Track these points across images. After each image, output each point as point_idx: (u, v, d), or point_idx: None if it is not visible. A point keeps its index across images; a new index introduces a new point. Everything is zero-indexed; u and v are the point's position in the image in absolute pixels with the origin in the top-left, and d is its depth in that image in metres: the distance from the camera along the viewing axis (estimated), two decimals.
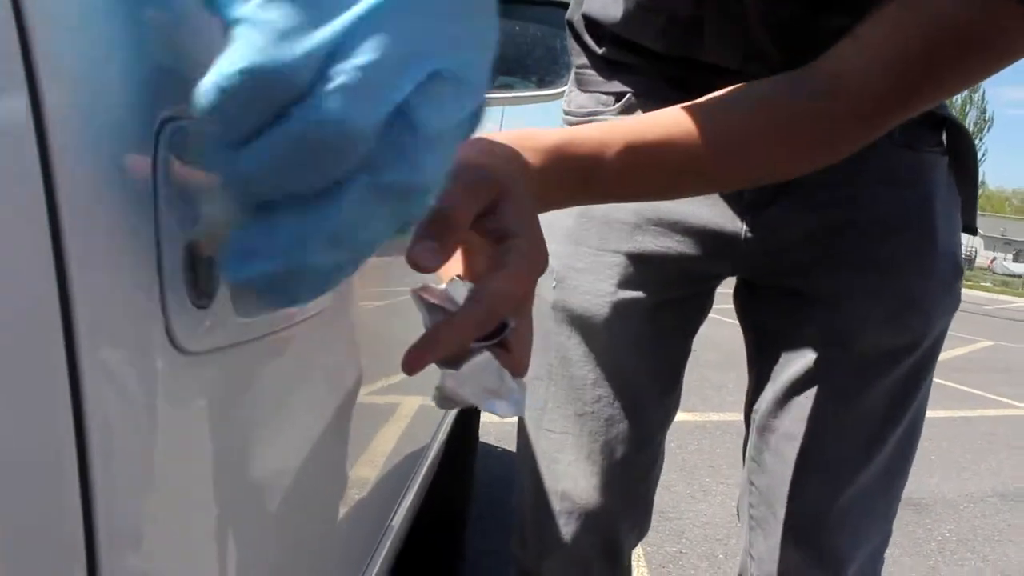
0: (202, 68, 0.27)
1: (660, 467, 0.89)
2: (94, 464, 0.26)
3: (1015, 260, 52.16)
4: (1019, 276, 40.09)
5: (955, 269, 0.76)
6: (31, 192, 0.24)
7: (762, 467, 0.81)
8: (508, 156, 0.49)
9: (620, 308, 0.79)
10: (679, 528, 2.38)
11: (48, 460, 0.25)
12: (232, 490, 0.38)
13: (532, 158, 0.51)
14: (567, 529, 0.84)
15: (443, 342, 0.40)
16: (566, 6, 1.24)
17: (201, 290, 0.32)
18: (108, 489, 0.27)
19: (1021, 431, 4.52)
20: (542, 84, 1.28)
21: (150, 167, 0.29)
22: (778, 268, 0.78)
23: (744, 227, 0.76)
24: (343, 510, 0.60)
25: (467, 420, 1.78)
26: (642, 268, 0.79)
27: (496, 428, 2.86)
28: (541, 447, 0.85)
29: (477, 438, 2.05)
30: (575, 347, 0.81)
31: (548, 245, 0.75)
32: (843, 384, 0.76)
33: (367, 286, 0.66)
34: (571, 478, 0.83)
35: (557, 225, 0.79)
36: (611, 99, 0.80)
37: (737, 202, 0.76)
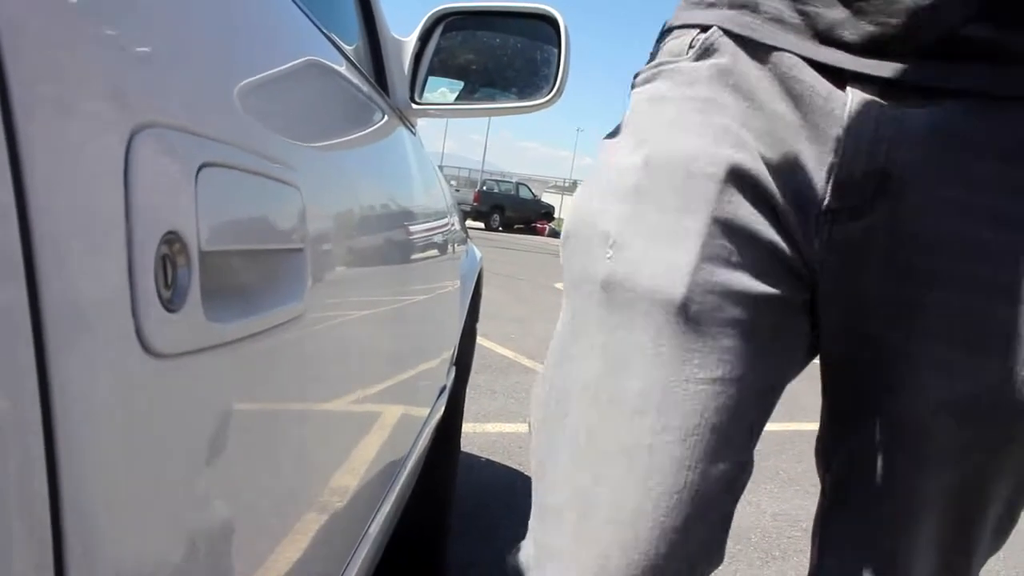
0: (173, 76, 0.27)
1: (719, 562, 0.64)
2: (62, 467, 0.26)
3: None
4: None
5: None
6: (2, 194, 0.24)
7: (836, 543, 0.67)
8: None
9: (709, 290, 0.56)
10: None
11: (15, 463, 0.25)
12: (204, 495, 0.38)
13: None
14: None
15: None
16: (548, 18, 1.25)
17: (173, 293, 0.32)
18: (76, 493, 0.27)
19: None
20: (523, 96, 1.29)
21: (122, 170, 0.29)
22: (845, 297, 0.60)
23: (817, 240, 0.58)
24: (319, 516, 0.60)
25: (449, 431, 1.78)
26: (734, 242, 0.57)
27: (480, 439, 2.85)
28: (568, 495, 0.61)
29: (459, 448, 2.04)
30: (636, 346, 0.57)
31: (601, 204, 0.63)
32: (892, 471, 0.60)
33: (348, 293, 0.66)
34: (606, 542, 0.58)
35: (615, 179, 0.61)
36: (687, 41, 0.63)
37: (812, 207, 0.58)
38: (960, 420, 0.57)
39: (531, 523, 0.67)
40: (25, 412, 0.25)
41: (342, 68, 0.80)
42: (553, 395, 0.64)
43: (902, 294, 0.58)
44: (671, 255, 0.57)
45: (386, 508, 0.92)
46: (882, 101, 0.56)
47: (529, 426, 0.69)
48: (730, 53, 0.61)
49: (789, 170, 0.58)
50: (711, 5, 0.63)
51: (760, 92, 0.60)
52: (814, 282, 0.60)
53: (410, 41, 1.33)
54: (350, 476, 0.72)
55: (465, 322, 1.77)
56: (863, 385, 0.62)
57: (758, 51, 0.60)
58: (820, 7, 0.57)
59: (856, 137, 0.56)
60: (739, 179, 0.58)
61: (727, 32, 0.61)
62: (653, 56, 0.68)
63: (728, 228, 0.57)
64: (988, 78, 0.55)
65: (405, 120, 1.28)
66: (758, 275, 0.58)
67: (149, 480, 0.32)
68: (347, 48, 0.98)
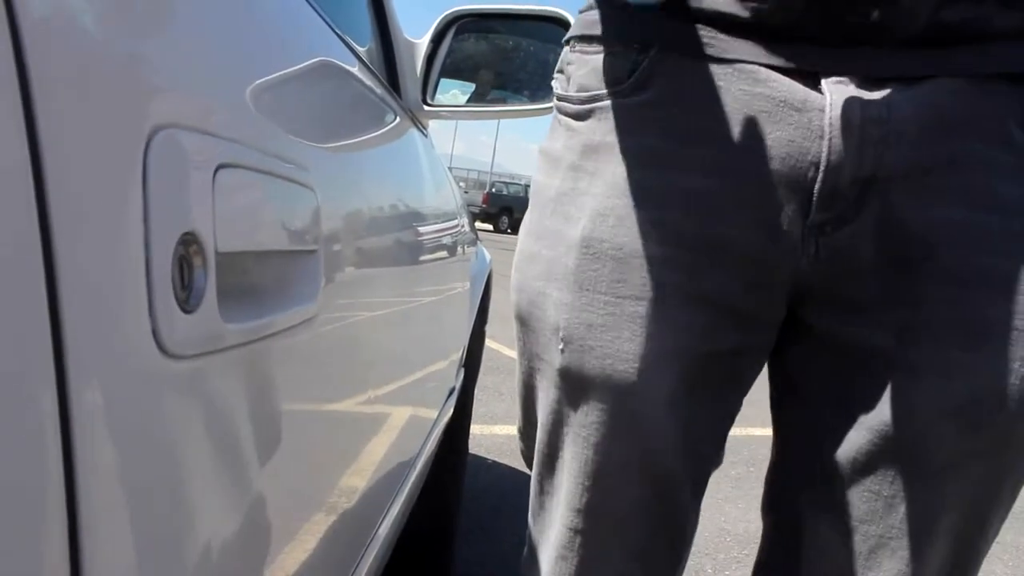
0: (190, 77, 0.27)
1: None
2: (79, 468, 0.26)
3: None
4: None
5: None
6: (22, 194, 0.24)
7: (801, 563, 0.63)
8: None
9: (650, 373, 0.58)
10: None
11: (33, 463, 0.25)
12: (217, 495, 0.38)
13: None
14: None
15: None
16: (559, 20, 1.25)
17: (189, 294, 0.32)
18: (93, 492, 0.27)
19: None
20: (535, 98, 1.29)
21: (140, 170, 0.29)
22: (839, 297, 0.57)
23: (804, 257, 0.56)
24: (328, 517, 0.60)
25: (457, 432, 1.78)
26: (676, 315, 0.57)
27: (487, 441, 2.85)
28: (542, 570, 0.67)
29: (467, 450, 2.04)
30: (594, 429, 0.60)
31: (548, 291, 0.61)
32: (886, 480, 0.57)
33: (360, 295, 0.66)
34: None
35: (557, 264, 0.60)
36: (624, 65, 0.57)
37: (796, 225, 0.55)
38: (960, 427, 0.54)
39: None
40: (43, 412, 0.25)
41: (355, 69, 0.81)
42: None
43: (896, 292, 0.55)
44: (618, 345, 0.58)
45: (395, 509, 0.92)
46: (864, 97, 0.51)
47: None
48: (676, 79, 0.55)
49: (760, 202, 0.54)
50: (643, 7, 0.56)
51: (716, 121, 0.54)
52: (796, 303, 0.59)
53: (423, 43, 1.33)
54: (360, 477, 0.72)
55: (474, 324, 1.77)
56: (848, 400, 0.58)
57: (710, 68, 0.54)
58: None
59: (841, 146, 0.52)
60: (692, 248, 0.56)
61: (670, 48, 0.55)
62: (566, 63, 0.63)
63: (681, 301, 0.57)
64: (973, 59, 0.52)
65: (417, 122, 1.28)
66: (707, 337, 0.58)
67: (163, 479, 0.32)
68: (360, 50, 0.98)
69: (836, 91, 0.52)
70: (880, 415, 0.56)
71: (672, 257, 0.56)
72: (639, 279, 0.57)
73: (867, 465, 0.57)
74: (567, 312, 0.59)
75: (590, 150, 0.59)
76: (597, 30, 0.59)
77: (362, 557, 0.74)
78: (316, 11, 0.68)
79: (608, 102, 0.58)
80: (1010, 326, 0.52)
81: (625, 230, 0.57)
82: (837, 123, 0.51)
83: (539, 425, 0.66)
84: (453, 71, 1.36)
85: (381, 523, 0.85)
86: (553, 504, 0.65)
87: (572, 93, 0.61)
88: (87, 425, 0.27)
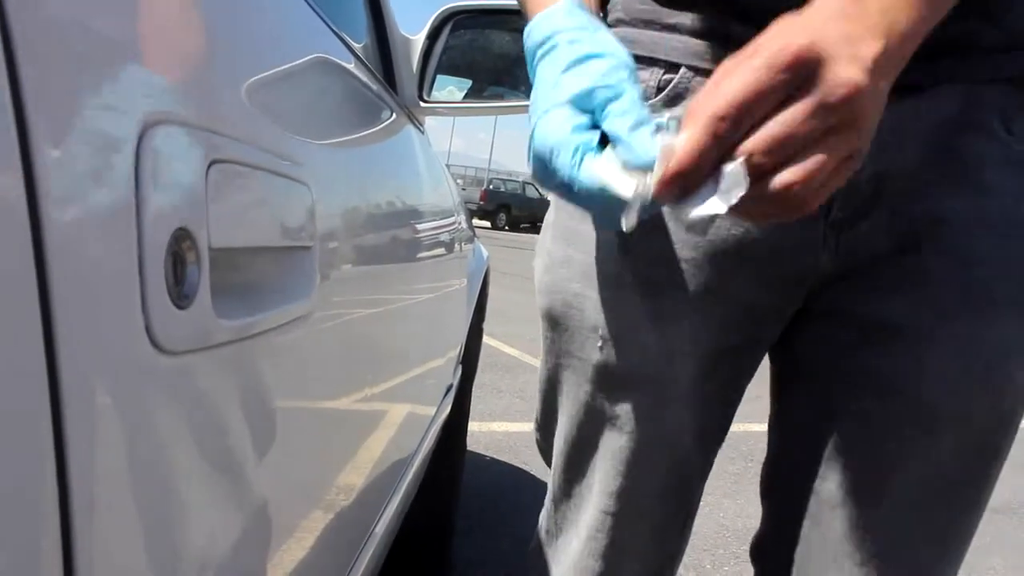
0: (184, 73, 0.27)
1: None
2: (72, 463, 0.26)
3: None
4: None
5: None
6: (13, 190, 0.24)
7: (792, 543, 0.67)
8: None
9: (669, 366, 0.64)
10: None
11: (26, 460, 0.25)
12: (211, 492, 0.38)
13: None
14: None
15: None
16: None
17: (182, 289, 0.32)
18: (86, 488, 0.27)
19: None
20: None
21: (132, 166, 0.29)
22: (850, 276, 0.62)
23: (824, 253, 0.61)
24: (324, 515, 0.60)
25: (455, 429, 1.78)
26: (700, 313, 0.63)
27: (485, 438, 2.85)
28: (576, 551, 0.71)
29: (465, 447, 2.04)
30: (627, 419, 0.66)
31: (587, 293, 0.66)
32: (899, 448, 0.60)
33: (355, 291, 0.66)
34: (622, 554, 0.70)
35: (592, 267, 0.66)
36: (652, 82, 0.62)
37: (817, 223, 0.60)
38: (971, 392, 0.58)
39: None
40: (35, 408, 0.25)
41: (351, 66, 0.80)
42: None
43: (906, 273, 0.59)
44: (651, 341, 0.64)
45: (392, 506, 0.92)
46: None
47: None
48: None
49: None
50: (671, 29, 0.60)
51: None
52: (813, 294, 0.63)
53: (419, 39, 1.33)
54: (356, 474, 0.72)
55: (472, 321, 1.77)
56: (858, 373, 0.62)
57: None
58: None
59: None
60: (717, 249, 0.62)
61: (698, 70, 0.59)
62: None
63: (707, 300, 0.63)
64: (965, 68, 0.57)
65: (413, 118, 1.28)
66: (724, 332, 0.64)
67: (157, 476, 0.32)
68: (356, 46, 0.98)
69: None
70: (891, 383, 0.60)
71: (699, 258, 0.62)
72: (671, 280, 0.63)
73: (877, 433, 0.61)
74: (607, 312, 0.65)
75: None
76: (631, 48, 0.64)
77: (359, 555, 0.74)
78: (311, 7, 0.68)
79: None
80: (1013, 299, 0.57)
81: (657, 233, 0.62)
82: None
83: (568, 418, 0.70)
84: (450, 67, 1.36)
85: (378, 521, 0.85)
86: (583, 489, 0.71)
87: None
88: (80, 420, 0.26)
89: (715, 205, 0.41)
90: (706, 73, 0.58)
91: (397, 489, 0.97)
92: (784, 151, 0.41)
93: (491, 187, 23.43)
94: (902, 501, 0.61)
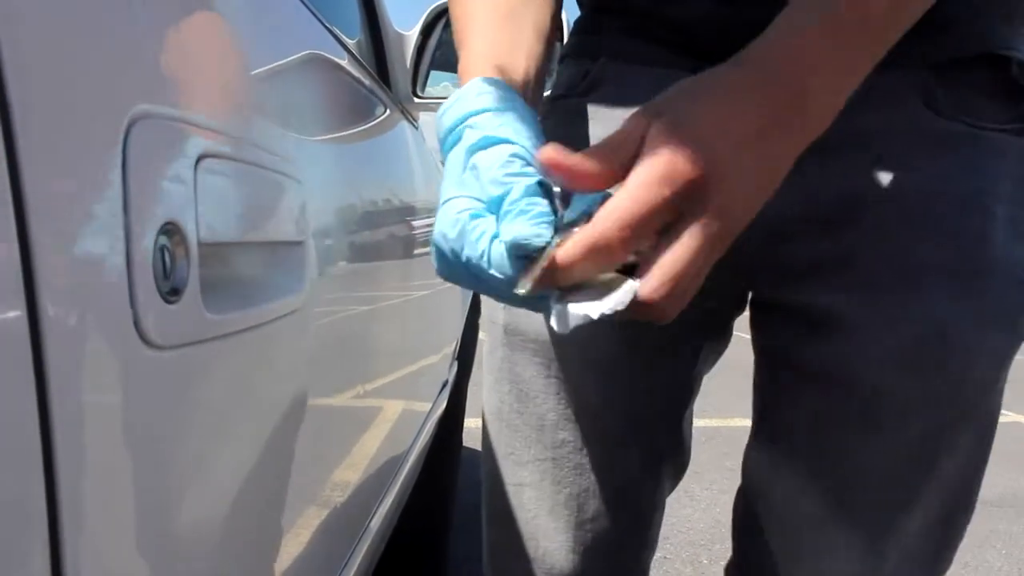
0: (173, 67, 0.27)
1: (652, 550, 0.78)
2: (60, 458, 0.26)
3: None
4: None
5: (1020, 298, 0.56)
6: None
7: (756, 534, 0.67)
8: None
9: (585, 328, 0.67)
10: (663, 533, 2.37)
11: (12, 454, 0.25)
12: (202, 488, 0.38)
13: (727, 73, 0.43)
14: None
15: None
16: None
17: (171, 284, 0.32)
18: (74, 484, 0.27)
19: (1008, 437, 4.55)
20: None
21: (120, 160, 0.29)
22: (777, 268, 0.61)
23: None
24: (318, 511, 0.60)
25: (451, 426, 1.78)
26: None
27: (480, 433, 2.85)
28: (502, 501, 0.76)
29: (461, 443, 2.04)
30: (533, 378, 0.67)
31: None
32: (846, 438, 0.59)
33: (348, 287, 0.66)
34: (535, 537, 0.72)
35: None
36: (579, 73, 0.65)
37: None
38: (911, 373, 0.56)
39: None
40: (23, 404, 0.25)
41: (344, 62, 0.80)
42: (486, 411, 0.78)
43: (829, 254, 0.58)
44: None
45: (387, 503, 0.92)
46: None
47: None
48: (620, 81, 0.61)
49: None
50: (598, 31, 0.63)
51: None
52: (746, 280, 0.63)
53: (412, 35, 1.33)
54: (351, 470, 0.72)
55: (467, 316, 1.77)
56: (802, 362, 0.61)
57: (653, 72, 0.58)
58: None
59: None
60: None
61: (616, 57, 0.61)
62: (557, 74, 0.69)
63: None
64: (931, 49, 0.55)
65: (407, 114, 1.27)
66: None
67: (148, 472, 0.32)
68: (349, 42, 0.98)
69: None
70: (833, 371, 0.58)
71: None
72: None
73: (823, 423, 0.60)
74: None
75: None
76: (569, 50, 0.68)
77: (353, 551, 0.74)
78: (303, 2, 0.67)
79: (561, 102, 0.65)
80: (945, 269, 0.55)
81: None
82: None
83: (485, 385, 0.74)
84: (444, 63, 1.36)
85: (372, 517, 0.85)
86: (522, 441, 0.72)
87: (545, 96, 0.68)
88: (68, 415, 0.26)
89: (591, 308, 0.40)
90: (623, 59, 0.61)
91: (392, 485, 0.97)
92: (680, 286, 0.40)
93: None
94: (856, 491, 0.60)
